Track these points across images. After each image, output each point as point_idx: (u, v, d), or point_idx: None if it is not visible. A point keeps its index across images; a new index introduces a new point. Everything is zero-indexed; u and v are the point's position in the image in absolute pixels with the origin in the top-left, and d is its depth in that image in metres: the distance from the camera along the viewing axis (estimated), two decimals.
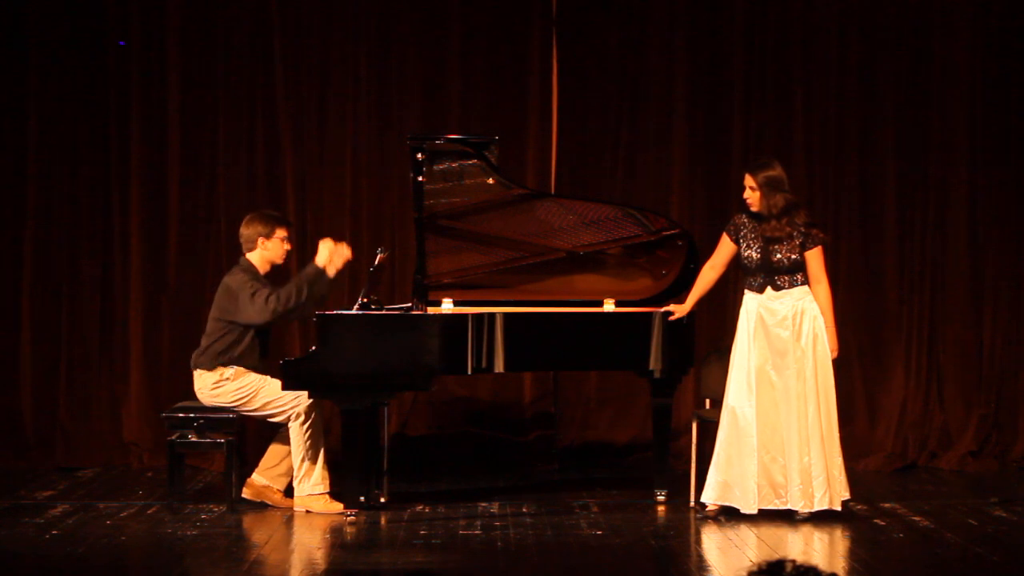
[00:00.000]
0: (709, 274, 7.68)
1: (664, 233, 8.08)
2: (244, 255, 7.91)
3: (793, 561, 4.44)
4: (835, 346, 7.52)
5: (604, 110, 9.29)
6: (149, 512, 7.74)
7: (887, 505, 7.93)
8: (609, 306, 7.98)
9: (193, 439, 7.75)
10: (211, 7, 9.22)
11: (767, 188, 7.45)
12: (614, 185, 9.24)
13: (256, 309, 7.70)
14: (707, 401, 8.21)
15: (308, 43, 9.24)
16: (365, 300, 7.65)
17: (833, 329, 7.52)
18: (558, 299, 8.03)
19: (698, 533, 7.31)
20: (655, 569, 6.63)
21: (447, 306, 7.93)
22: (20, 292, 9.20)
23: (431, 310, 7.69)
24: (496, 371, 7.68)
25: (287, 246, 7.96)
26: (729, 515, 7.43)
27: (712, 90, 9.29)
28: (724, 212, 9.25)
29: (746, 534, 7.18)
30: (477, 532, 7.26)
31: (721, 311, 9.27)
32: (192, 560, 6.77)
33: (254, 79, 9.23)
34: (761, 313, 7.48)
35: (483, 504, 7.90)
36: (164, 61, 9.20)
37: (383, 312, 7.67)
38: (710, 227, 9.21)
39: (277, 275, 8.03)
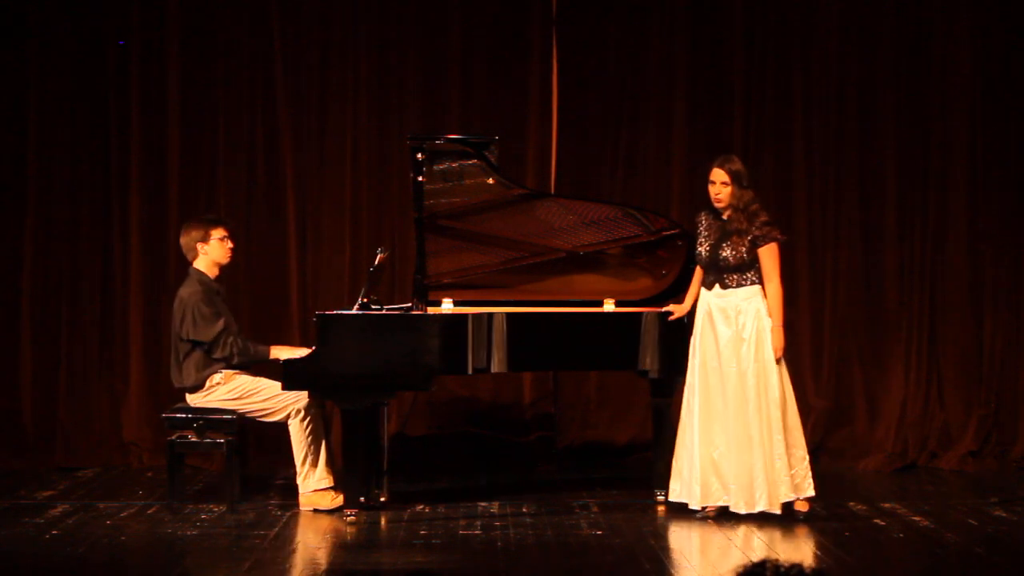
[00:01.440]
0: (698, 272, 7.68)
1: (664, 233, 8.08)
2: (191, 264, 7.91)
3: (784, 562, 4.44)
4: (781, 346, 7.43)
5: (604, 110, 9.29)
6: (149, 512, 7.73)
7: (887, 505, 7.93)
8: (609, 306, 7.98)
9: (193, 439, 7.75)
10: (211, 7, 9.22)
11: (736, 182, 7.45)
12: (614, 185, 9.25)
13: (209, 335, 7.71)
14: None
15: (308, 43, 9.25)
16: (365, 300, 7.65)
17: (780, 329, 7.44)
18: (558, 299, 8.03)
19: (697, 532, 7.30)
20: (655, 569, 6.62)
21: (447, 306, 7.93)
22: (20, 292, 9.20)
23: (431, 310, 7.69)
24: (496, 371, 7.68)
25: (229, 244, 7.96)
26: (727, 517, 7.43)
27: (712, 90, 9.29)
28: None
29: (747, 534, 7.18)
30: (477, 532, 7.25)
31: None
32: (192, 560, 6.76)
33: (254, 79, 9.24)
34: (710, 310, 7.50)
35: (483, 504, 7.90)
36: (164, 61, 9.20)
37: (383, 312, 7.67)
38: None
39: (242, 287, 8.05)
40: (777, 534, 7.19)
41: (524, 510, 7.74)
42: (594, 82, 9.29)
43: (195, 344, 7.76)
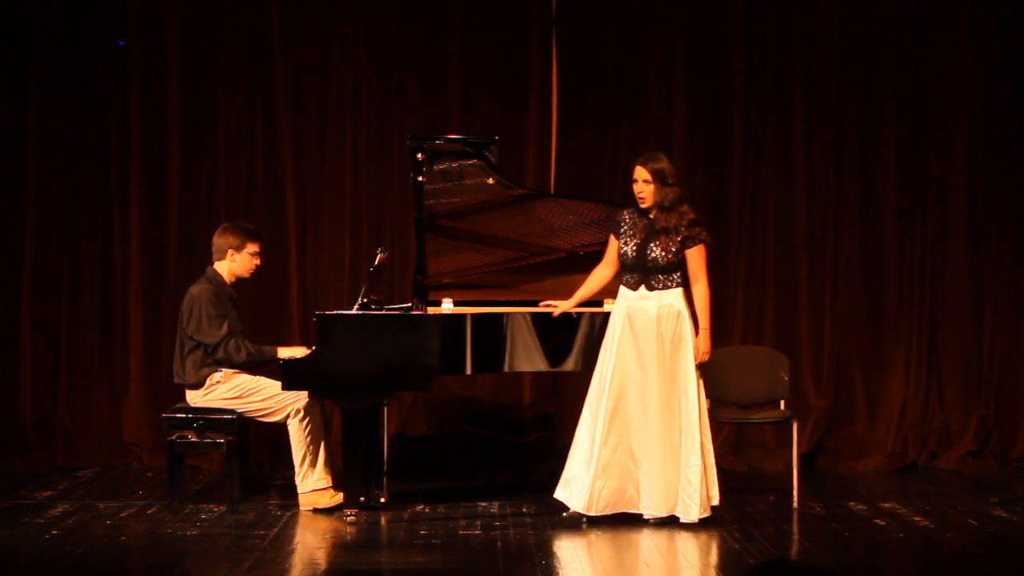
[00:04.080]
0: (602, 271, 7.53)
1: None
2: (212, 264, 7.92)
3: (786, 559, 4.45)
4: (707, 348, 7.32)
5: (604, 110, 9.29)
6: (149, 512, 7.74)
7: (887, 505, 7.93)
8: (609, 306, 7.97)
9: (193, 439, 7.76)
10: (211, 7, 9.22)
11: (660, 180, 7.33)
12: (614, 185, 9.24)
13: (213, 339, 7.72)
14: (707, 401, 8.21)
15: (308, 43, 9.25)
16: (365, 300, 7.65)
17: (707, 332, 7.33)
18: (558, 299, 8.02)
19: (698, 533, 7.30)
20: (655, 570, 6.63)
21: (447, 306, 7.93)
22: (20, 292, 9.20)
23: (431, 310, 7.69)
24: (496, 371, 7.67)
25: (256, 261, 7.97)
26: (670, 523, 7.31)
27: (712, 90, 9.29)
28: (724, 212, 9.28)
29: (748, 533, 7.18)
30: (477, 532, 7.25)
31: (721, 311, 9.27)
32: (192, 560, 6.77)
33: (254, 80, 9.24)
34: (630, 312, 7.35)
35: (483, 504, 7.90)
36: (164, 61, 9.20)
37: (383, 312, 7.67)
38: (710, 227, 9.20)
39: (243, 285, 8.07)
40: (775, 536, 7.20)
41: (524, 510, 7.74)
42: (594, 82, 9.29)
43: (198, 344, 7.77)
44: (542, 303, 7.66)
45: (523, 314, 7.62)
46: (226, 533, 7.23)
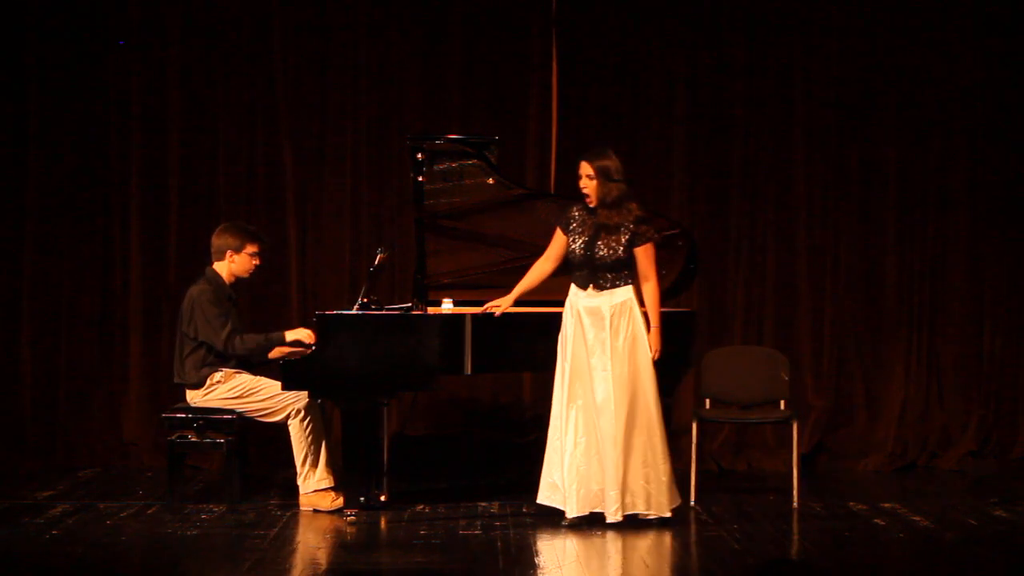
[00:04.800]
0: (543, 265, 7.48)
1: (664, 233, 8.05)
2: (211, 264, 7.92)
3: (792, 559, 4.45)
4: (658, 347, 7.30)
5: (604, 110, 9.29)
6: (149, 512, 7.73)
7: (887, 505, 7.93)
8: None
9: (193, 439, 7.76)
10: (211, 7, 9.22)
11: (603, 177, 7.28)
12: None
13: (219, 339, 7.73)
14: (707, 401, 8.22)
15: (308, 43, 9.25)
16: (365, 300, 7.65)
17: (657, 329, 7.31)
18: (558, 299, 8.01)
19: (698, 532, 7.30)
20: (655, 568, 6.63)
21: (447, 306, 7.93)
22: (20, 292, 9.20)
23: (431, 310, 7.69)
24: (496, 371, 7.66)
25: (255, 262, 7.97)
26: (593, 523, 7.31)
27: (712, 90, 9.29)
28: (724, 212, 9.28)
29: (748, 533, 7.18)
30: (477, 532, 7.25)
31: (721, 311, 9.28)
32: (192, 560, 6.76)
33: (254, 80, 9.24)
34: (580, 311, 7.32)
35: (483, 504, 7.90)
36: (164, 61, 9.20)
37: (383, 312, 7.67)
38: (710, 227, 9.24)
39: (243, 286, 8.07)
40: (776, 535, 7.20)
41: (524, 510, 7.74)
42: (594, 82, 9.28)
43: (201, 344, 7.76)
44: (486, 304, 7.59)
45: (523, 314, 7.61)
46: (226, 533, 7.23)
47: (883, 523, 7.48)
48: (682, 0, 9.26)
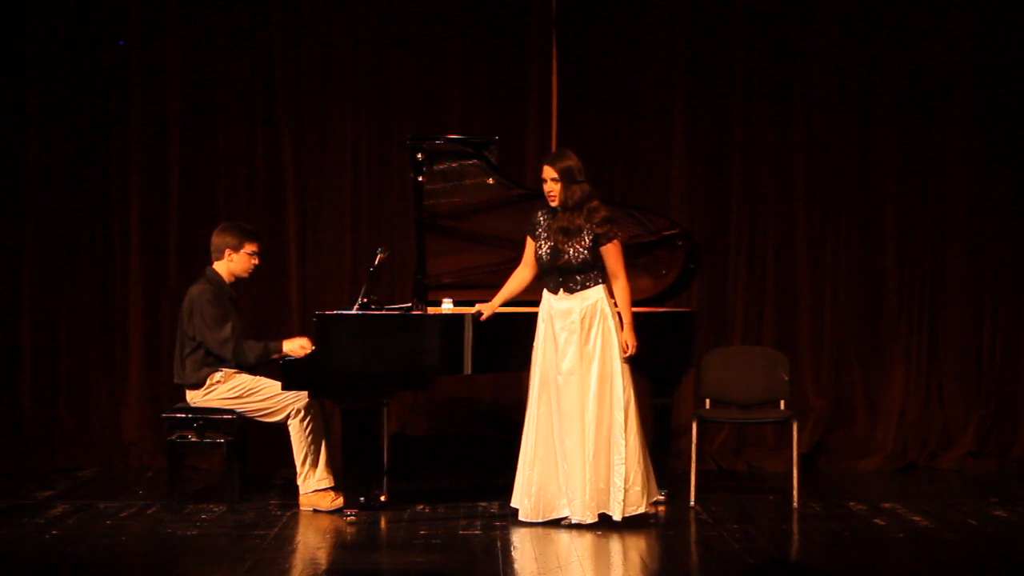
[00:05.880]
0: (522, 272, 7.47)
1: (664, 233, 8.07)
2: (211, 264, 7.92)
3: (790, 559, 4.45)
4: (634, 344, 7.26)
5: (604, 110, 9.30)
6: (149, 512, 7.73)
7: (887, 505, 7.93)
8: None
9: (193, 439, 7.76)
10: (211, 7, 9.22)
11: (567, 179, 7.27)
12: (613, 185, 9.24)
13: (216, 342, 7.72)
14: (707, 401, 8.22)
15: (309, 43, 9.25)
16: (365, 300, 7.65)
17: (630, 326, 7.27)
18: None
19: (698, 532, 7.31)
20: (655, 568, 6.63)
21: (447, 306, 7.93)
22: (20, 292, 9.20)
23: (431, 310, 7.69)
24: (496, 372, 7.66)
25: (255, 261, 7.96)
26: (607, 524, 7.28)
27: (712, 90, 9.30)
28: (724, 212, 9.28)
29: (748, 533, 7.18)
30: (477, 532, 7.25)
31: (721, 311, 9.28)
32: (192, 560, 6.76)
33: (254, 80, 9.24)
34: (552, 315, 7.31)
35: (483, 504, 7.90)
36: (164, 61, 9.20)
37: (383, 312, 7.67)
38: (710, 227, 9.24)
39: (243, 285, 8.07)
40: (776, 535, 7.19)
41: None
42: (594, 82, 9.29)
43: (201, 344, 7.77)
44: (475, 306, 7.56)
45: (523, 314, 7.61)
46: (226, 533, 7.23)
47: (883, 523, 7.48)
48: (683, 2, 9.26)
